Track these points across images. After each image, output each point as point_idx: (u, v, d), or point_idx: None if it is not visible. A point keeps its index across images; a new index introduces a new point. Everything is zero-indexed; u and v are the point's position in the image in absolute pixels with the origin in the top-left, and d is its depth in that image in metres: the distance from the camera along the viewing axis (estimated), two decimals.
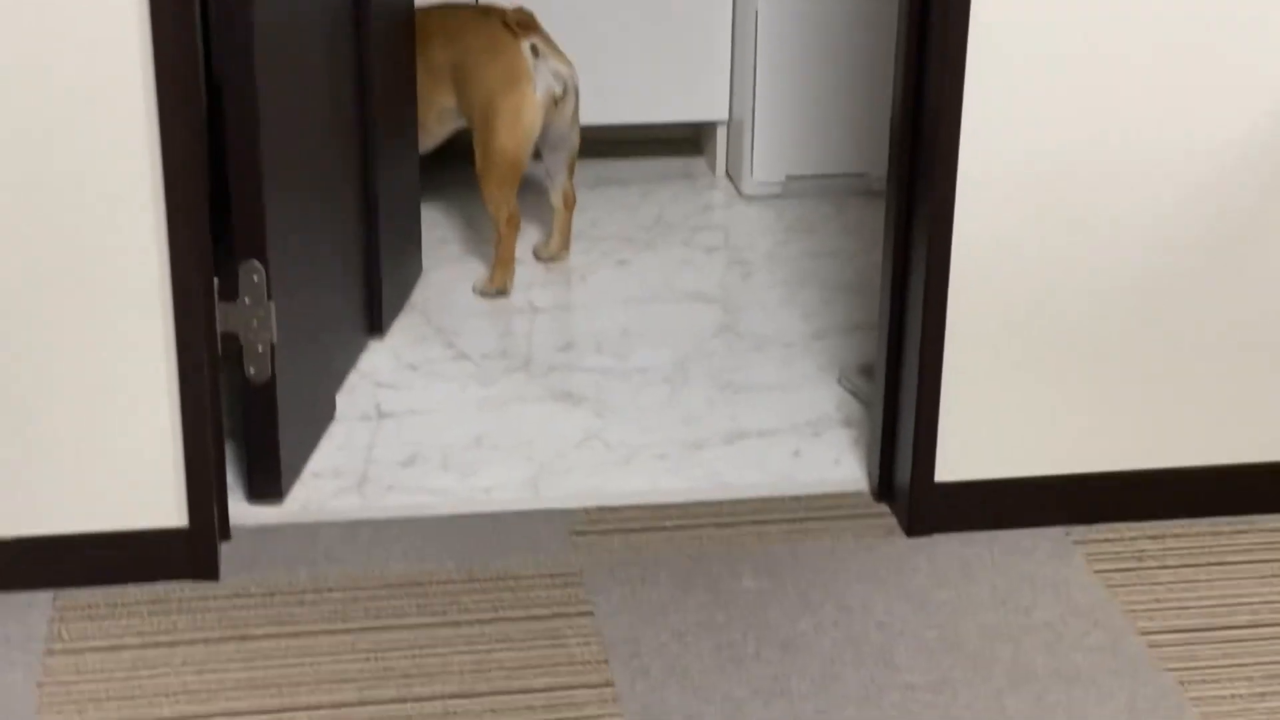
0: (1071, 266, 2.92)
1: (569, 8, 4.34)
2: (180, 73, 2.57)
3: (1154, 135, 2.86)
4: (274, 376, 2.96)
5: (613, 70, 4.39)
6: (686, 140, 4.78)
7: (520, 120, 3.79)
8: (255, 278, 2.90)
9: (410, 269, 3.87)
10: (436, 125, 3.96)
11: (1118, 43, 2.81)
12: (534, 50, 3.81)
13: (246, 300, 2.91)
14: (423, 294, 3.89)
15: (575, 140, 3.98)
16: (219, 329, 2.84)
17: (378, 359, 3.59)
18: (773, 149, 4.44)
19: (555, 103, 3.84)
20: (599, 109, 4.30)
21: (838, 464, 3.25)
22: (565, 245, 4.05)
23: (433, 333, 3.72)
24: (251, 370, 2.95)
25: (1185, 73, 2.84)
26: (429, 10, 3.99)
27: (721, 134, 4.59)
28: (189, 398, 2.74)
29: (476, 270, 4.01)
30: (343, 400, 3.41)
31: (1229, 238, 2.94)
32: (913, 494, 3.01)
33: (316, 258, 3.22)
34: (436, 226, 4.19)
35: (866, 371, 3.53)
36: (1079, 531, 3.03)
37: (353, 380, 3.50)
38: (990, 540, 3.00)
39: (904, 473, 3.04)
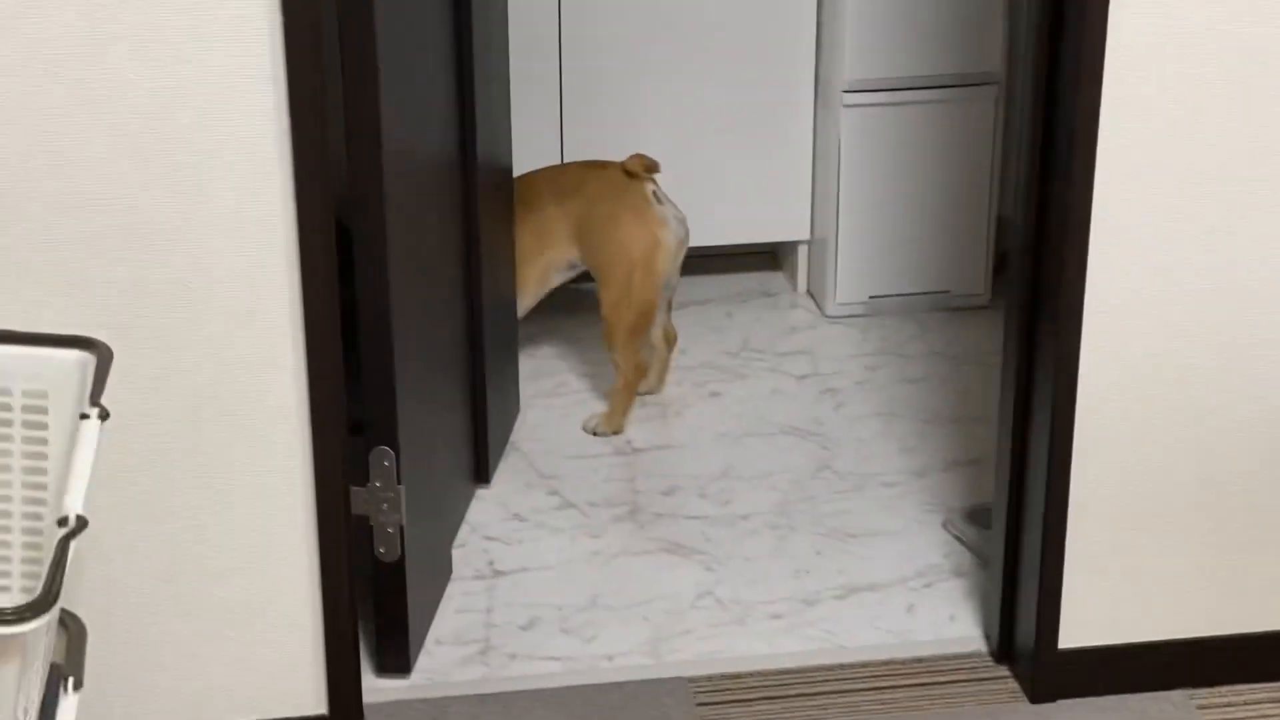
0: (1200, 417, 2.93)
1: (648, 130, 4.39)
2: (323, 292, 2.62)
3: None
4: (403, 555, 2.99)
5: (695, 192, 4.41)
6: (764, 254, 4.81)
7: (655, 268, 3.84)
8: (386, 462, 2.93)
9: (510, 410, 3.90)
10: (536, 287, 3.97)
11: (1258, 154, 2.80)
12: (655, 196, 3.86)
13: (377, 484, 2.94)
14: (521, 434, 3.92)
15: (677, 281, 4.02)
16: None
17: (486, 509, 3.62)
18: (856, 269, 4.47)
19: (679, 247, 3.89)
20: None
21: (953, 620, 3.27)
22: (663, 380, 4.08)
23: (537, 479, 3.75)
24: (381, 550, 2.98)
25: None
26: (532, 173, 4.04)
27: (803, 253, 4.63)
28: (330, 587, 2.77)
29: (569, 403, 4.04)
30: (456, 556, 3.44)
31: None
32: (1036, 660, 3.03)
33: (435, 421, 3.25)
34: (526, 360, 4.21)
35: (972, 516, 3.55)
36: (1201, 695, 3.05)
37: (463, 534, 3.53)
38: (1115, 706, 3.02)
39: (1026, 636, 3.06)
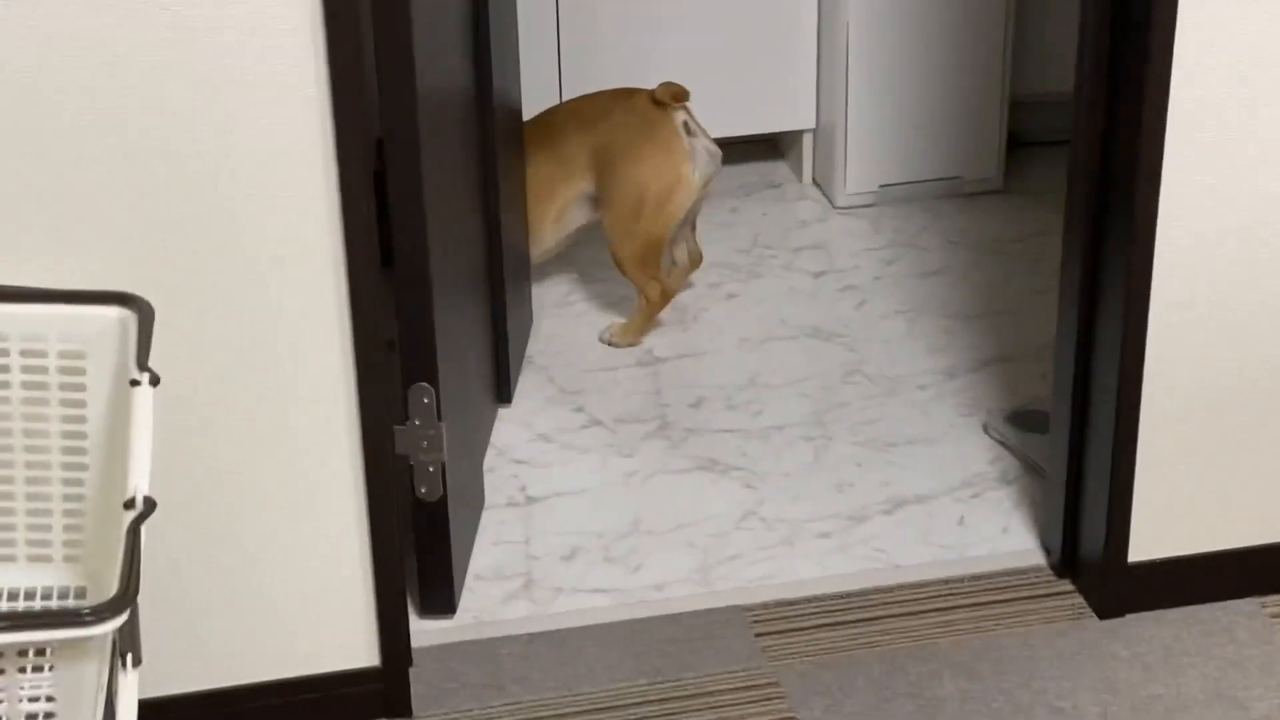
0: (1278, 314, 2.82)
1: (647, 22, 4.20)
2: (364, 233, 2.46)
3: None
4: (445, 494, 2.85)
5: (697, 83, 4.22)
6: (764, 143, 4.64)
7: (671, 204, 3.64)
8: (425, 400, 2.78)
9: (526, 324, 3.74)
10: (555, 225, 3.76)
11: None
12: (686, 128, 3.66)
13: (416, 422, 2.79)
14: (536, 347, 3.77)
15: (701, 208, 3.85)
16: None
17: (510, 431, 3.47)
18: (865, 157, 4.32)
19: (705, 183, 3.70)
20: None
21: (1006, 532, 3.17)
22: (679, 285, 3.92)
23: (558, 394, 3.60)
24: (422, 490, 2.84)
25: None
26: (554, 107, 3.86)
27: (807, 141, 4.46)
28: (379, 535, 2.63)
29: (582, 311, 3.89)
30: (487, 482, 3.30)
31: None
32: (1105, 574, 2.93)
33: (465, 350, 3.10)
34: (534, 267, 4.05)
35: (1014, 419, 3.44)
36: (1274, 602, 2.96)
37: (490, 458, 3.39)
38: (1185, 620, 2.93)
39: (1091, 550, 2.96)
